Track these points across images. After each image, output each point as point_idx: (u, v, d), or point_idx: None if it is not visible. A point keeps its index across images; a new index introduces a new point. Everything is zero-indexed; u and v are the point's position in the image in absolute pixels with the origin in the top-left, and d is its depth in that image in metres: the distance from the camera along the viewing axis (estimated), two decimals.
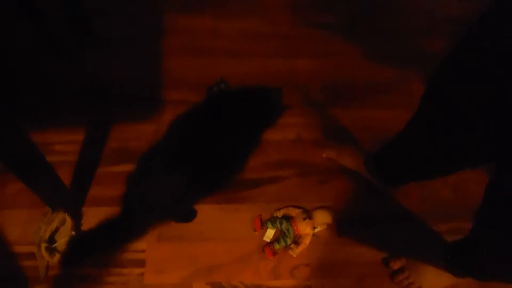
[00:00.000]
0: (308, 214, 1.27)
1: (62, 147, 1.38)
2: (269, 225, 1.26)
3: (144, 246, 1.23)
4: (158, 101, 1.49)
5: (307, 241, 1.25)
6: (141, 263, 1.21)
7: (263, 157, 1.40)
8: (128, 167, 1.33)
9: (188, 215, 1.28)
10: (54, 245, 1.18)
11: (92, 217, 1.27)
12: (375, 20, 1.74)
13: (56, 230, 1.19)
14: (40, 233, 1.18)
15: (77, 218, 1.25)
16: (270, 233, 1.26)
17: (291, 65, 1.60)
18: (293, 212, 1.29)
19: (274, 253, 1.23)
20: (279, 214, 1.29)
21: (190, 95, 1.49)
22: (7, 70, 1.45)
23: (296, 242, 1.25)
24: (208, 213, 1.29)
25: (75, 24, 1.57)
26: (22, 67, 1.54)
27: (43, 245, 1.17)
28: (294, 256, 1.24)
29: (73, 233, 1.21)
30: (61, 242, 1.18)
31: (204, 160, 1.27)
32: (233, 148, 1.36)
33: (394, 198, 1.35)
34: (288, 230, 1.24)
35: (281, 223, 1.25)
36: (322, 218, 1.28)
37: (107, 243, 1.22)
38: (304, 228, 1.24)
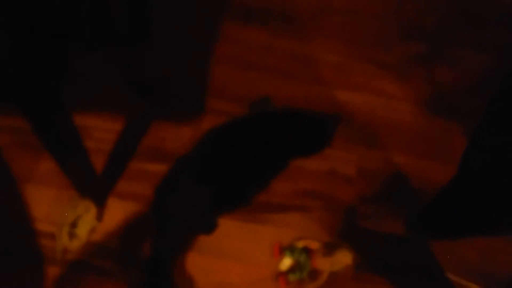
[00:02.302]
0: (328, 251, 1.25)
1: (99, 134, 1.40)
2: (288, 253, 1.24)
3: None
4: (200, 107, 1.49)
5: (323, 278, 1.22)
6: None
7: (293, 183, 1.39)
8: (159, 167, 1.33)
9: (209, 227, 1.27)
10: (75, 230, 1.19)
11: (115, 209, 1.28)
12: (432, 68, 1.70)
13: (80, 216, 1.20)
14: (64, 216, 1.19)
15: (101, 207, 1.26)
16: (287, 262, 1.24)
17: (337, 96, 1.58)
18: (314, 245, 1.27)
19: (288, 283, 1.21)
20: (300, 244, 1.26)
21: (233, 106, 1.49)
22: (60, 48, 1.48)
23: (312, 276, 1.22)
24: (229, 228, 1.28)
25: (134, 18, 1.59)
26: (75, 48, 1.56)
27: (65, 228, 1.18)
28: None
29: (96, 222, 1.21)
30: (82, 229, 1.19)
31: (232, 178, 1.24)
32: (267, 170, 1.34)
33: (420, 253, 1.31)
34: (305, 263, 1.22)
35: (300, 254, 1.23)
36: (343, 258, 1.25)
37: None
38: (322, 264, 1.22)
